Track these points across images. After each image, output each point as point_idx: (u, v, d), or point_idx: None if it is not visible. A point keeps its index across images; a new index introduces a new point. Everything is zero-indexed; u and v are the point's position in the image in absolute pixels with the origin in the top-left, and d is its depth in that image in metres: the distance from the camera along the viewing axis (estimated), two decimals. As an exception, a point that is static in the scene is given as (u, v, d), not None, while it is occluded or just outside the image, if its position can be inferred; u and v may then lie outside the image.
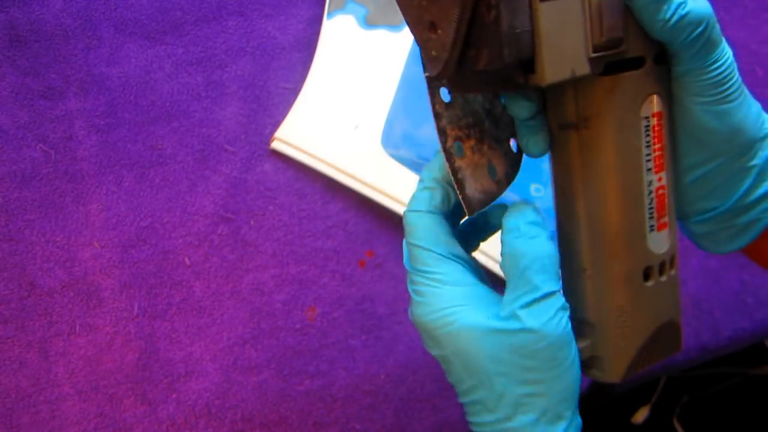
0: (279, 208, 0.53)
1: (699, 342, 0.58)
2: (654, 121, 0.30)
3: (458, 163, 0.32)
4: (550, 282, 0.30)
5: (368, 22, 0.58)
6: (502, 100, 0.33)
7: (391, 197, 0.52)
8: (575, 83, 0.29)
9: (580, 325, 0.33)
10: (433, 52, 0.28)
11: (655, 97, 0.30)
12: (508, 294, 0.31)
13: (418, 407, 0.51)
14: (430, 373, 0.52)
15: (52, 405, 0.46)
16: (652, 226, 0.31)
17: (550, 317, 0.30)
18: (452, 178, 0.32)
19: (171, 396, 0.47)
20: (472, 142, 0.33)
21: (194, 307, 0.50)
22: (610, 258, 0.32)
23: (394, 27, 0.58)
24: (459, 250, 0.33)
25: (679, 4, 0.28)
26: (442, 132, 0.32)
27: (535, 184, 0.57)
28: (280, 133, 0.54)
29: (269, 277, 0.51)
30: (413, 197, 0.34)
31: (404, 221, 0.33)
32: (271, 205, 0.53)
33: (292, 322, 0.51)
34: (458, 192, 0.32)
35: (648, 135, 0.30)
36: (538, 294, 0.30)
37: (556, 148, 0.32)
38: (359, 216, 0.54)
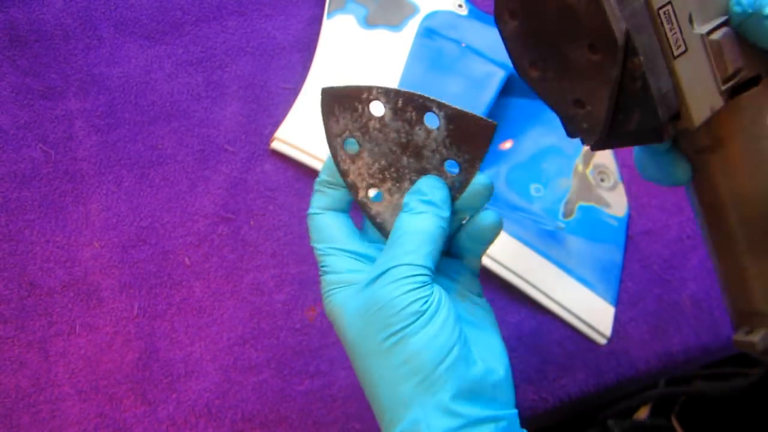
0: (279, 208, 0.53)
1: (699, 342, 0.58)
2: None
3: (375, 209, 0.35)
4: (408, 256, 0.32)
5: (368, 22, 0.58)
6: (430, 124, 0.34)
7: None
8: None
9: (752, 318, 0.35)
10: (584, 125, 0.31)
11: None
12: (376, 262, 0.34)
13: (418, 407, 0.51)
14: (430, 373, 0.52)
15: (52, 405, 0.46)
16: None
17: (386, 285, 0.32)
18: (372, 222, 0.35)
19: (171, 396, 0.47)
20: (388, 185, 0.35)
21: (194, 307, 0.50)
22: None
23: (394, 27, 0.58)
24: (345, 242, 0.35)
25: None
26: (351, 187, 0.35)
27: (534, 184, 0.57)
28: (280, 133, 0.54)
29: (269, 277, 0.51)
30: (311, 201, 0.37)
31: (308, 225, 0.37)
32: (271, 205, 0.53)
33: (292, 322, 0.51)
34: (381, 233, 0.35)
35: None
36: (386, 266, 0.32)
37: (696, 172, 0.34)
38: (359, 216, 0.54)
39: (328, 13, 0.57)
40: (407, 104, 0.34)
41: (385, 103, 0.34)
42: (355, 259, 0.35)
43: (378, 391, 0.32)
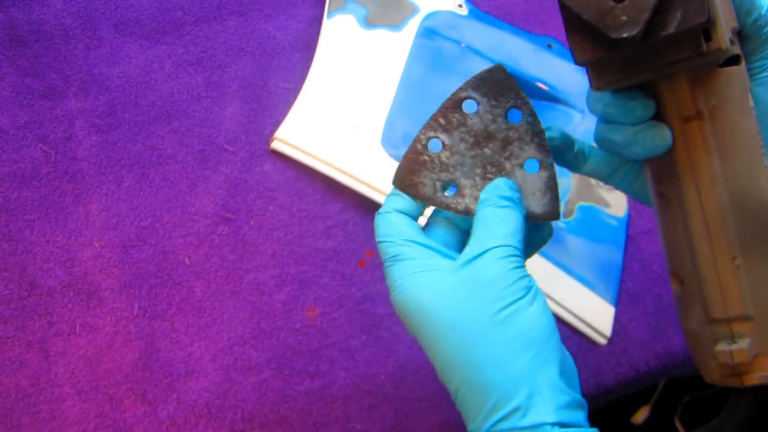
0: (279, 208, 0.53)
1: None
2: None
3: (452, 201, 0.35)
4: (502, 239, 0.32)
5: (368, 22, 0.58)
6: (513, 120, 0.35)
7: (391, 197, 0.52)
8: (693, 77, 0.32)
9: (731, 327, 0.33)
10: (624, 18, 0.29)
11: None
12: (465, 249, 0.33)
13: (418, 407, 0.51)
14: (430, 373, 0.52)
15: (52, 405, 0.46)
16: None
17: (494, 261, 0.32)
18: (451, 211, 0.36)
19: (171, 396, 0.47)
20: (466, 179, 0.36)
21: (194, 307, 0.50)
22: (761, 239, 0.32)
23: (394, 27, 0.58)
24: (419, 237, 0.35)
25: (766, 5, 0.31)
26: (427, 179, 0.35)
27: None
28: (280, 133, 0.54)
29: (269, 277, 0.51)
30: (386, 199, 0.37)
31: (375, 224, 0.36)
32: (271, 205, 0.53)
33: (292, 322, 0.51)
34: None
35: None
36: (485, 247, 0.32)
37: (681, 142, 0.33)
38: (359, 216, 0.54)
39: (328, 13, 0.57)
40: (496, 97, 0.34)
41: (477, 98, 0.35)
42: (430, 249, 0.34)
43: (485, 371, 0.31)
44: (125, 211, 0.50)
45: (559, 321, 0.55)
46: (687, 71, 0.32)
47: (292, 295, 0.51)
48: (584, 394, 0.54)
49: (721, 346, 0.33)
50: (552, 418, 0.30)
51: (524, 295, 0.32)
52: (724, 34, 0.29)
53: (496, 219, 0.33)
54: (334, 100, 0.55)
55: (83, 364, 0.47)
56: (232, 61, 0.56)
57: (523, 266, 0.33)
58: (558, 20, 0.65)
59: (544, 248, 0.55)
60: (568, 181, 0.58)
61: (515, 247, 0.33)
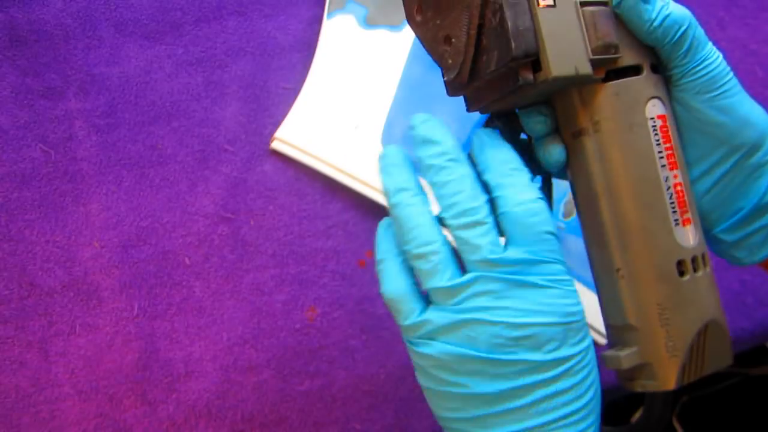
0: (279, 208, 0.53)
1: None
2: (659, 122, 0.32)
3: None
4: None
5: (368, 22, 0.58)
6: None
7: (391, 197, 0.52)
8: (581, 92, 0.32)
9: (623, 334, 0.34)
10: (449, 61, 0.31)
11: (657, 101, 0.32)
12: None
13: (418, 407, 0.51)
14: (430, 373, 0.52)
15: (52, 405, 0.46)
16: (676, 220, 0.32)
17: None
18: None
19: (171, 396, 0.47)
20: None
21: (194, 307, 0.50)
22: (641, 253, 0.32)
23: (394, 27, 0.58)
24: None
25: (662, 7, 0.31)
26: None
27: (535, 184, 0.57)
28: (280, 133, 0.54)
29: (269, 277, 0.51)
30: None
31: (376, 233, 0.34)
32: (271, 205, 0.53)
33: (292, 322, 0.51)
34: None
35: (656, 135, 0.32)
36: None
37: (573, 157, 0.34)
38: (359, 216, 0.54)
39: (328, 13, 0.57)
40: None
41: None
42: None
43: None
44: (125, 211, 0.50)
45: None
46: (576, 87, 0.32)
47: (292, 295, 0.51)
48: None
49: (611, 352, 0.34)
50: None
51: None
52: (552, 63, 0.29)
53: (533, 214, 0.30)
54: (334, 100, 0.55)
55: (83, 364, 0.47)
56: (232, 61, 0.56)
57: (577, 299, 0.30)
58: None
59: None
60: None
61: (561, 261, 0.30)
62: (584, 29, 0.30)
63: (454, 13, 0.30)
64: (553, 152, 0.33)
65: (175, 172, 0.52)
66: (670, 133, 0.32)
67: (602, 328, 0.56)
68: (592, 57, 0.30)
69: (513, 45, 0.28)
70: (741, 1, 0.71)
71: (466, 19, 0.29)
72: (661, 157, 0.32)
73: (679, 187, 0.32)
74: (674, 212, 0.32)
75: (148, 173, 0.52)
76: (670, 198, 0.32)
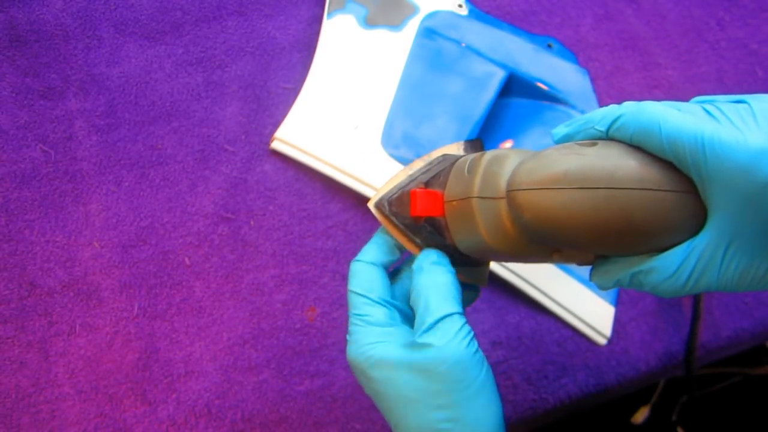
0: (279, 208, 0.53)
1: (699, 342, 0.58)
2: None
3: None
4: (446, 306, 0.33)
5: (368, 22, 0.58)
6: None
7: (391, 197, 0.52)
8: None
9: None
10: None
11: None
12: (415, 325, 0.34)
13: (418, 407, 0.51)
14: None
15: (52, 405, 0.46)
16: None
17: (450, 338, 0.33)
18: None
19: (171, 396, 0.47)
20: None
21: (194, 307, 0.50)
22: None
23: (394, 27, 0.58)
24: (387, 295, 0.37)
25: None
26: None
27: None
28: (280, 133, 0.54)
29: (269, 277, 0.51)
30: (363, 249, 0.38)
31: (349, 270, 0.38)
32: (271, 205, 0.53)
33: (292, 322, 0.51)
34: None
35: None
36: (436, 317, 0.33)
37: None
38: (359, 216, 0.54)
39: (328, 13, 0.57)
40: None
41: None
42: (396, 312, 0.37)
43: None
44: (125, 211, 0.50)
45: (559, 321, 0.55)
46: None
47: (292, 295, 0.51)
48: (584, 394, 0.54)
49: None
50: None
51: (478, 373, 0.33)
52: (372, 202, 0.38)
53: (432, 286, 0.35)
54: (334, 100, 0.55)
55: (83, 364, 0.47)
56: (232, 61, 0.56)
57: (472, 335, 0.33)
58: (558, 20, 0.65)
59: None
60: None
61: (458, 314, 0.34)
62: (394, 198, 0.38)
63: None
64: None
65: (175, 172, 0.52)
66: None
67: (602, 329, 0.56)
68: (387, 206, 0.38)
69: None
70: (741, 1, 0.71)
71: (427, 229, 0.37)
72: None
73: None
74: None
75: (148, 173, 0.52)
76: None
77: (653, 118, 0.28)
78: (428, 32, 0.58)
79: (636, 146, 0.29)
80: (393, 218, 0.37)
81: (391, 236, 0.38)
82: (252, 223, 0.52)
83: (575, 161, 0.29)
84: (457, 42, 0.59)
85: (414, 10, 0.59)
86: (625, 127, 0.29)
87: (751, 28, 0.70)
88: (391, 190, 0.38)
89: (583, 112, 0.60)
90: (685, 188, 0.28)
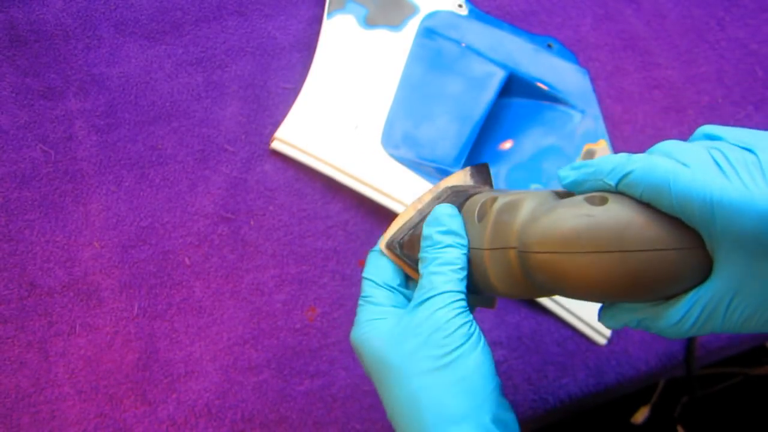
0: (279, 208, 0.53)
1: (699, 342, 0.58)
2: None
3: None
4: (447, 284, 0.34)
5: (368, 22, 0.58)
6: None
7: (391, 197, 0.52)
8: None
9: None
10: None
11: None
12: (411, 300, 0.35)
13: (418, 407, 0.51)
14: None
15: (52, 405, 0.46)
16: None
17: (439, 308, 0.33)
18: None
19: (171, 396, 0.47)
20: None
21: (194, 307, 0.50)
22: None
23: (394, 27, 0.58)
24: (395, 281, 0.38)
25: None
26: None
27: (534, 184, 0.57)
28: (280, 133, 0.54)
29: (269, 277, 0.51)
30: (380, 238, 0.39)
31: (366, 259, 0.39)
32: (271, 205, 0.53)
33: (292, 322, 0.51)
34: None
35: None
36: (431, 293, 0.34)
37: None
38: (359, 216, 0.54)
39: (328, 13, 0.57)
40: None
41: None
42: (401, 295, 0.38)
43: (424, 412, 0.33)
44: (125, 211, 0.50)
45: (559, 321, 0.55)
46: None
47: (292, 295, 0.51)
48: (584, 394, 0.54)
49: None
50: None
51: (464, 342, 0.33)
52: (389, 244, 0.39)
53: (437, 263, 0.35)
54: (334, 100, 0.55)
55: (83, 364, 0.47)
56: (232, 61, 0.56)
57: (465, 310, 0.34)
58: (558, 20, 0.65)
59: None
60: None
61: (457, 291, 0.34)
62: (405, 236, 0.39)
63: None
64: None
65: (175, 172, 0.52)
66: None
67: (602, 329, 0.56)
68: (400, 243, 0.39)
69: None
70: (741, 1, 0.71)
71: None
72: None
73: None
74: None
75: (148, 173, 0.52)
76: None
77: (663, 178, 0.28)
78: (428, 32, 0.58)
79: (645, 203, 0.30)
80: (405, 259, 0.38)
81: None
82: (252, 223, 0.52)
83: (586, 223, 0.30)
84: (457, 42, 0.59)
85: (414, 10, 0.59)
86: (636, 184, 0.29)
87: (751, 28, 0.70)
88: (401, 230, 0.39)
89: (583, 112, 0.60)
90: (693, 244, 0.29)
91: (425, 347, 0.33)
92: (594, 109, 0.61)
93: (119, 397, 0.47)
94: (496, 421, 0.32)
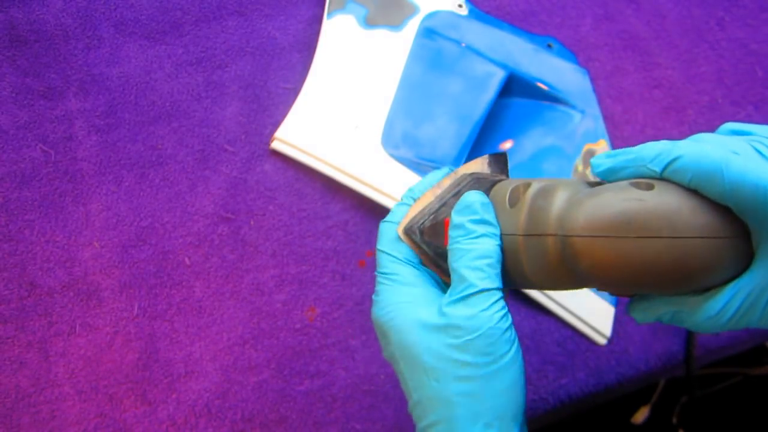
0: (279, 208, 0.53)
1: (699, 342, 0.58)
2: None
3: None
4: (485, 280, 0.32)
5: (368, 22, 0.58)
6: None
7: (391, 197, 0.52)
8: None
9: None
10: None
11: None
12: (448, 291, 0.33)
13: (418, 407, 0.51)
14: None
15: (52, 405, 0.46)
16: None
17: (482, 309, 0.31)
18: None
19: (171, 396, 0.47)
20: None
21: (194, 307, 0.50)
22: None
23: (394, 27, 0.58)
24: (420, 261, 0.35)
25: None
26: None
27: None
28: (280, 133, 0.54)
29: (269, 277, 0.51)
30: (391, 211, 0.37)
31: (378, 231, 0.36)
32: (271, 205, 0.53)
33: (292, 322, 0.51)
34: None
35: None
36: (471, 291, 0.32)
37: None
38: (359, 216, 0.54)
39: (328, 13, 0.57)
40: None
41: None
42: (424, 276, 0.35)
43: (458, 420, 0.31)
44: (125, 211, 0.50)
45: (559, 321, 0.55)
46: None
47: (292, 295, 0.51)
48: (584, 394, 0.54)
49: None
50: None
51: (506, 351, 0.31)
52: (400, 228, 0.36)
53: (471, 255, 0.33)
54: (334, 100, 0.55)
55: (83, 364, 0.47)
56: (232, 61, 0.56)
57: (506, 312, 0.32)
58: (558, 20, 0.65)
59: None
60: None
61: (496, 290, 0.32)
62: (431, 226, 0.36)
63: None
64: None
65: (175, 172, 0.52)
66: None
67: (602, 329, 0.56)
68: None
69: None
70: (741, 1, 0.71)
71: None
72: None
73: None
74: None
75: (148, 173, 0.52)
76: None
77: (716, 164, 0.28)
78: (428, 32, 0.58)
79: (692, 190, 0.29)
80: (424, 246, 0.35)
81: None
82: (252, 223, 0.52)
83: (636, 207, 0.29)
84: (457, 42, 0.59)
85: (414, 10, 0.59)
86: (684, 170, 0.29)
87: (751, 28, 0.70)
88: (421, 215, 0.36)
89: (583, 112, 0.60)
90: (738, 233, 0.29)
91: (466, 353, 0.31)
92: (594, 109, 0.61)
93: (119, 397, 0.47)
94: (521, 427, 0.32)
